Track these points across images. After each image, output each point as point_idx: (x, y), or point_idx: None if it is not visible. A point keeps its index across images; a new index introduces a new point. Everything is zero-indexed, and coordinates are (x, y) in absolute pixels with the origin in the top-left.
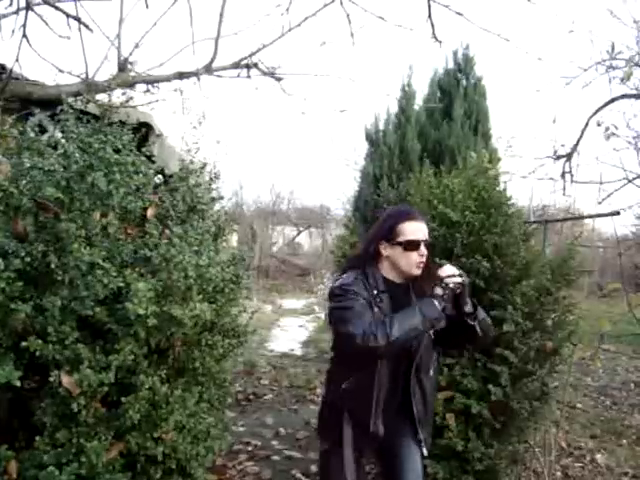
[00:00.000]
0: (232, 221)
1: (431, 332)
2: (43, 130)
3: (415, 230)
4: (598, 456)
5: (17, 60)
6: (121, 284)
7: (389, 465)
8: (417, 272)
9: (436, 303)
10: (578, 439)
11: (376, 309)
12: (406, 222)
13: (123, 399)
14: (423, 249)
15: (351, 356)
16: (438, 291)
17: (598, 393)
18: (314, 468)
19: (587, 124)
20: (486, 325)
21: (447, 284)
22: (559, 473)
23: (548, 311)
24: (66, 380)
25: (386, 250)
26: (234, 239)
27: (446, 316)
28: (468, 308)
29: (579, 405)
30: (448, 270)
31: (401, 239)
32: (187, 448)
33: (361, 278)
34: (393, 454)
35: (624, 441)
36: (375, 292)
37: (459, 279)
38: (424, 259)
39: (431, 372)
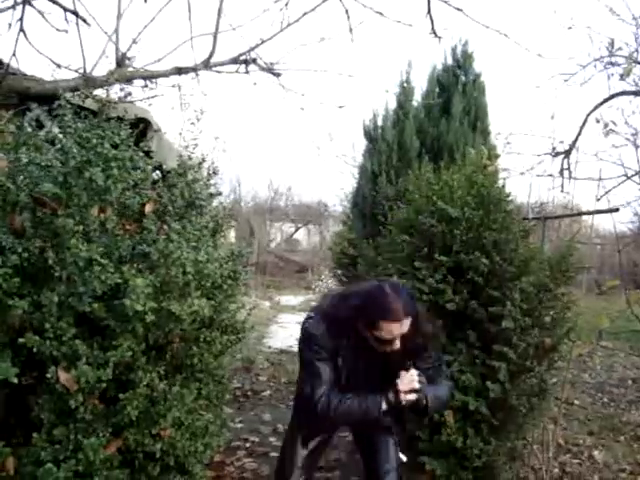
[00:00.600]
0: (230, 217)
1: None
2: (40, 126)
3: (391, 329)
4: (596, 453)
5: (14, 54)
6: (119, 280)
7: (365, 450)
8: (383, 349)
9: (383, 406)
10: (576, 436)
11: (339, 359)
12: (386, 321)
13: (121, 395)
14: (396, 343)
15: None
16: (390, 396)
17: (596, 390)
18: None
19: (585, 121)
20: (437, 408)
21: (399, 401)
22: (557, 470)
23: (547, 308)
24: (64, 376)
25: (364, 328)
26: (232, 235)
27: None
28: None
29: (577, 402)
30: (406, 384)
31: (377, 334)
32: (185, 445)
33: (335, 324)
34: (369, 440)
35: (622, 438)
36: (345, 342)
37: (413, 396)
38: (395, 347)
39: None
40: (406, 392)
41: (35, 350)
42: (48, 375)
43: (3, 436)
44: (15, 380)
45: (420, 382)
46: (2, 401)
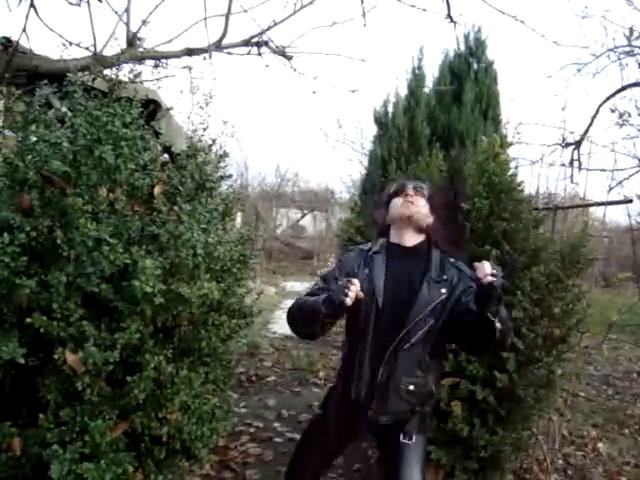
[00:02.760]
0: (239, 200)
1: (431, 321)
2: (49, 105)
3: (400, 185)
4: (600, 445)
5: (24, 30)
6: (128, 261)
7: (387, 456)
8: (403, 210)
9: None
10: (580, 428)
11: (366, 270)
12: (394, 197)
13: (128, 378)
14: (410, 191)
15: (347, 324)
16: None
17: (601, 382)
18: None
19: (597, 112)
20: (506, 325)
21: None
22: (561, 461)
23: (557, 298)
24: (71, 358)
25: (386, 218)
26: (238, 221)
27: (459, 311)
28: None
29: (582, 394)
30: (487, 268)
31: (389, 195)
32: (192, 429)
33: (366, 246)
34: (392, 446)
35: (626, 430)
36: (372, 252)
37: (492, 279)
38: (410, 199)
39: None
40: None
41: (42, 331)
42: (55, 356)
43: (10, 416)
44: (22, 360)
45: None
46: (9, 381)
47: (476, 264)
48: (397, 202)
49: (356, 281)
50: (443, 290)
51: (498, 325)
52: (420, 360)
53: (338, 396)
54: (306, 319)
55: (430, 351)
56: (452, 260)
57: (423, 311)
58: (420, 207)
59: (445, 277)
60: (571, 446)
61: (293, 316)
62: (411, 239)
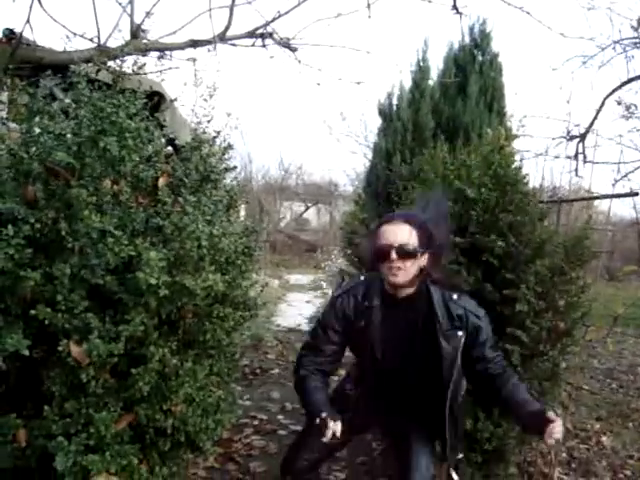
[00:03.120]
0: (243, 193)
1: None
2: (53, 97)
3: (385, 234)
4: (604, 438)
5: (28, 21)
6: (132, 253)
7: (399, 446)
8: (392, 279)
9: (317, 420)
10: (584, 421)
11: (362, 322)
12: (382, 226)
13: (133, 370)
14: (393, 256)
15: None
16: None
17: (604, 376)
18: None
19: (603, 104)
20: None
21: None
22: (565, 455)
23: (561, 291)
24: (75, 350)
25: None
26: (242, 214)
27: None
28: None
29: (586, 387)
30: (556, 433)
31: (375, 245)
32: (196, 421)
33: (361, 289)
34: (403, 437)
35: (630, 424)
36: (367, 304)
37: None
38: (394, 264)
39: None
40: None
41: (47, 323)
42: (59, 348)
43: (15, 408)
44: (27, 352)
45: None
46: (14, 373)
47: (551, 424)
48: (383, 265)
49: (332, 424)
50: (456, 342)
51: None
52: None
53: (352, 405)
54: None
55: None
56: (455, 297)
57: (451, 377)
58: (407, 269)
59: (455, 325)
60: (575, 439)
61: (295, 388)
62: (405, 290)
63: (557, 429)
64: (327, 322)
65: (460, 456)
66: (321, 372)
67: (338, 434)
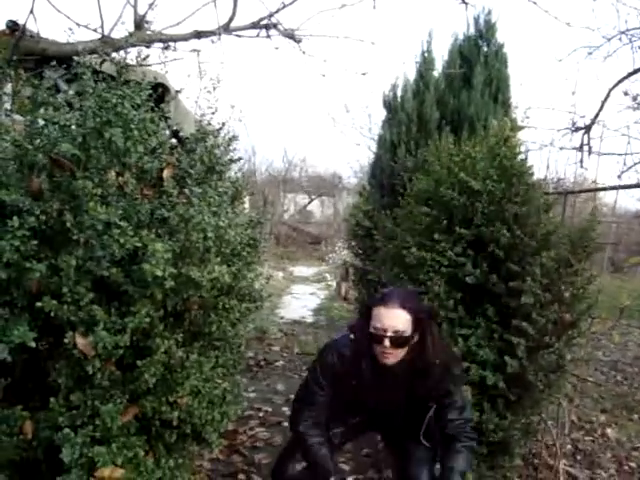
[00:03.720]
0: (248, 184)
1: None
2: (57, 89)
3: (382, 317)
4: (609, 430)
5: (31, 12)
6: (138, 244)
7: (397, 454)
8: (384, 361)
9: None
10: (589, 413)
11: (353, 382)
12: (378, 306)
13: (138, 362)
14: (386, 343)
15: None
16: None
17: (609, 368)
18: None
19: (608, 95)
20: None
21: None
22: (570, 446)
23: (567, 283)
24: (81, 342)
25: (367, 334)
26: (246, 206)
27: None
28: None
29: (591, 379)
30: None
31: (369, 324)
32: (202, 413)
33: (350, 349)
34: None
35: (635, 416)
36: (355, 367)
37: None
38: (387, 350)
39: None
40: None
41: (52, 315)
42: (65, 340)
43: (21, 400)
44: (33, 344)
45: None
46: (20, 365)
47: None
48: (377, 347)
49: None
50: (428, 410)
51: None
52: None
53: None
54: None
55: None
56: (440, 372)
57: (419, 425)
58: (397, 354)
59: (429, 398)
60: (580, 431)
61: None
62: (394, 364)
63: None
64: (317, 377)
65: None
66: (319, 425)
67: None
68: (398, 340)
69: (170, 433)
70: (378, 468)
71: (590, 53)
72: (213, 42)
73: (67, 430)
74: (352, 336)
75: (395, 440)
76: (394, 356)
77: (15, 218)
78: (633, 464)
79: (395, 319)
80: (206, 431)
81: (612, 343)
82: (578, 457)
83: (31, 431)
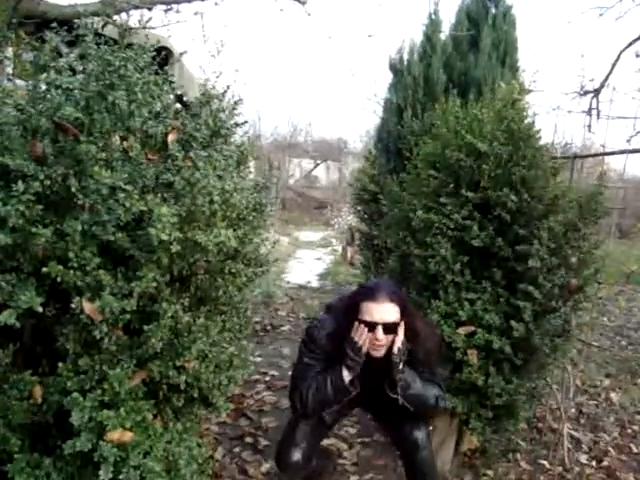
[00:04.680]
0: (253, 149)
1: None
2: (59, 53)
3: (372, 311)
4: (612, 395)
5: None
6: (143, 208)
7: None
8: (373, 353)
9: (344, 373)
10: (593, 378)
11: (348, 364)
12: (367, 301)
13: (145, 327)
14: (379, 334)
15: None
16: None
17: (614, 333)
18: None
19: (618, 58)
20: (415, 400)
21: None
22: (574, 410)
23: (574, 248)
24: (88, 307)
25: (353, 325)
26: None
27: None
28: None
29: (595, 344)
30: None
31: (359, 315)
32: (209, 377)
33: (335, 326)
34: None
35: (639, 380)
36: (356, 356)
37: (380, 352)
38: (379, 343)
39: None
40: (373, 345)
41: (59, 280)
42: (72, 305)
43: (30, 365)
44: (40, 309)
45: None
46: (28, 330)
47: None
48: (366, 337)
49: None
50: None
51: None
52: None
53: None
54: (329, 398)
55: None
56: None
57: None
58: (388, 343)
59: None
60: (584, 395)
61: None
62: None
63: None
64: (307, 355)
65: None
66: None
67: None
68: (390, 328)
69: (178, 397)
70: (383, 431)
71: (601, 14)
72: (217, 4)
73: (76, 394)
74: (332, 319)
75: (384, 415)
76: (384, 347)
77: (20, 183)
78: (636, 427)
79: (386, 312)
80: (213, 395)
81: (618, 308)
82: (582, 421)
83: (40, 395)
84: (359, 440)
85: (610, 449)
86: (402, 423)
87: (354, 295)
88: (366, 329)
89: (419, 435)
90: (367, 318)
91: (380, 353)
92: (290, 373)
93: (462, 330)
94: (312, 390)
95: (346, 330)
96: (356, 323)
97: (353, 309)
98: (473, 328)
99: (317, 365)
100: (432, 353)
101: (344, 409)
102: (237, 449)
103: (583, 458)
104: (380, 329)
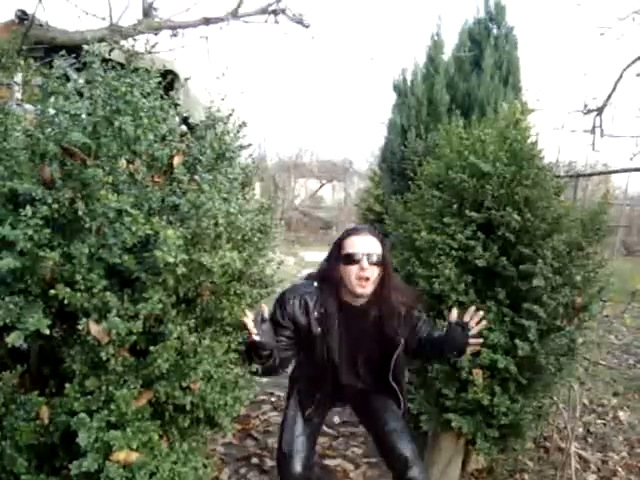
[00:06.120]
0: (258, 170)
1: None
2: (67, 78)
3: (355, 243)
4: (621, 413)
5: (40, 1)
6: (149, 231)
7: (366, 419)
8: (360, 290)
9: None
10: (601, 396)
11: (318, 329)
12: (349, 237)
13: (151, 348)
14: (364, 264)
15: (301, 355)
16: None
17: (621, 351)
18: (337, 419)
19: (621, 76)
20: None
21: None
22: (581, 429)
23: (578, 266)
24: (94, 328)
25: (338, 270)
26: (257, 192)
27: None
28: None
29: (602, 362)
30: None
31: (342, 253)
32: (215, 398)
33: (314, 292)
34: (369, 407)
35: None
36: (322, 311)
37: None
38: (365, 274)
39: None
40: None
41: (66, 302)
42: (79, 327)
43: (37, 386)
44: (47, 331)
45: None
46: (35, 352)
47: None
48: (351, 273)
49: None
50: (398, 341)
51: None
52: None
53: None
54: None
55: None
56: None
57: (388, 365)
58: (375, 278)
59: (399, 325)
60: (592, 414)
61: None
62: (363, 299)
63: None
64: (277, 318)
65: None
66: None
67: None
68: (375, 259)
69: (183, 418)
70: None
71: (602, 34)
72: (221, 28)
73: (82, 415)
74: (315, 283)
75: (366, 408)
76: (371, 283)
77: (28, 207)
78: None
79: (370, 244)
80: (219, 415)
81: (624, 326)
82: (590, 440)
83: (47, 416)
84: (365, 460)
85: (619, 469)
86: (388, 435)
87: (337, 240)
88: (351, 265)
89: (407, 453)
90: (350, 250)
91: (366, 290)
92: None
93: (467, 350)
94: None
95: (329, 291)
96: (341, 265)
97: (338, 252)
98: (478, 348)
99: (278, 329)
100: (412, 306)
101: (324, 403)
102: (243, 470)
103: (591, 478)
104: (365, 259)
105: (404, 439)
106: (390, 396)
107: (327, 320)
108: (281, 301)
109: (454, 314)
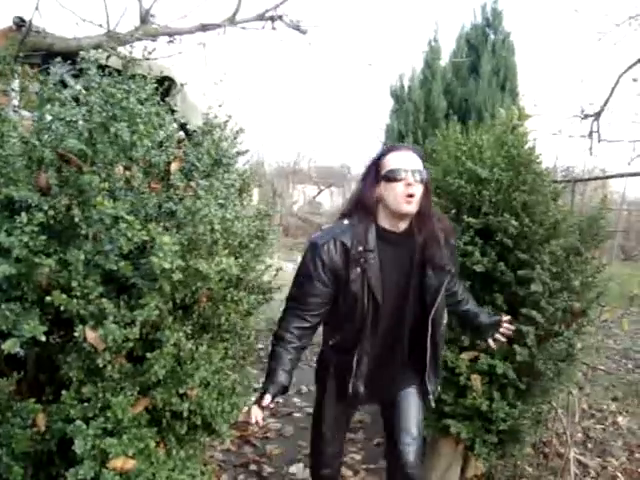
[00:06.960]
0: (256, 176)
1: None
2: (64, 84)
3: (398, 159)
4: (620, 418)
5: (37, 9)
6: (146, 238)
7: (388, 415)
8: (407, 208)
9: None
10: (600, 401)
11: (358, 269)
12: (390, 153)
13: (148, 355)
14: (410, 179)
15: (334, 315)
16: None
17: (620, 356)
18: None
19: (617, 82)
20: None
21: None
22: (580, 435)
23: (576, 271)
24: (91, 335)
25: (376, 191)
26: (255, 198)
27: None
28: None
29: (601, 367)
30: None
31: (384, 171)
32: (212, 404)
33: (349, 234)
34: (393, 405)
35: None
36: (361, 249)
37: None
38: (412, 190)
39: (443, 323)
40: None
41: (62, 309)
42: (76, 334)
43: (34, 393)
44: (43, 338)
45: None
46: (32, 359)
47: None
48: (397, 191)
49: (254, 411)
50: (443, 276)
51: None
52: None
53: (332, 383)
54: None
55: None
56: (443, 233)
57: (435, 304)
58: (419, 198)
59: (445, 261)
60: (591, 419)
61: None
62: (405, 223)
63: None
64: (312, 273)
65: (438, 389)
66: (302, 337)
67: (259, 421)
68: (420, 176)
69: (180, 424)
70: None
71: (600, 39)
72: (219, 35)
73: (79, 422)
74: (346, 221)
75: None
76: (416, 200)
77: (24, 214)
78: None
79: (413, 160)
80: (216, 422)
81: (622, 331)
82: (589, 445)
83: (44, 423)
84: (364, 467)
85: (618, 474)
86: (401, 411)
87: (373, 160)
88: (396, 182)
89: (410, 456)
90: (394, 166)
91: (413, 208)
92: (295, 280)
93: (465, 355)
94: (273, 344)
95: (367, 218)
96: (382, 185)
97: (376, 172)
98: (476, 353)
99: (319, 290)
100: (450, 234)
101: (362, 385)
102: (241, 476)
103: None
104: (410, 175)
105: (411, 441)
106: (417, 376)
107: (367, 257)
108: (313, 252)
109: (505, 317)
